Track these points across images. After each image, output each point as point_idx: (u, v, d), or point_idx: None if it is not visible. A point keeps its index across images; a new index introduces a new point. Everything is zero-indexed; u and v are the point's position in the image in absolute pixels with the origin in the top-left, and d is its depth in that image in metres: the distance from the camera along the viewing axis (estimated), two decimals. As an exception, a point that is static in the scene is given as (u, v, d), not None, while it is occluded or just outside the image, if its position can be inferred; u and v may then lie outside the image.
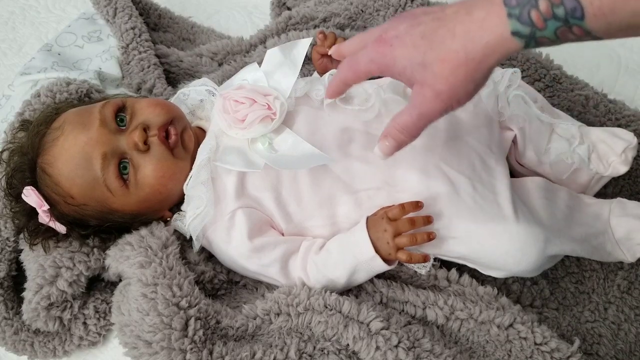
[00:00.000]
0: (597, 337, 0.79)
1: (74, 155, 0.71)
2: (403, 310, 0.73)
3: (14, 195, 0.77)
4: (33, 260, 0.77)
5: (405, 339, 0.67)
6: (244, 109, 0.73)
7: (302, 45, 0.79)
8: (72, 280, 0.75)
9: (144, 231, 0.75)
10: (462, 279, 0.75)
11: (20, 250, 0.82)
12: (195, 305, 0.69)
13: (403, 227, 0.69)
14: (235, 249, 0.74)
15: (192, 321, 0.67)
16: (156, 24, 1.15)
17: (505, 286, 0.79)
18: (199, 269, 0.77)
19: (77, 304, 0.78)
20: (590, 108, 0.92)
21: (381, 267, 0.71)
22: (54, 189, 0.73)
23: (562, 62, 0.97)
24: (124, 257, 0.73)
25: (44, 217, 0.74)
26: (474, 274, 0.76)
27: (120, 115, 0.75)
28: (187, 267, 0.75)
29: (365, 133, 0.75)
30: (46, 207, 0.73)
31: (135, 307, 0.69)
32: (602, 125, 0.90)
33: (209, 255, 0.80)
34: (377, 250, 0.70)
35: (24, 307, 0.77)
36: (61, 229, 0.75)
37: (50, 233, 0.77)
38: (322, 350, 0.69)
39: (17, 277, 0.83)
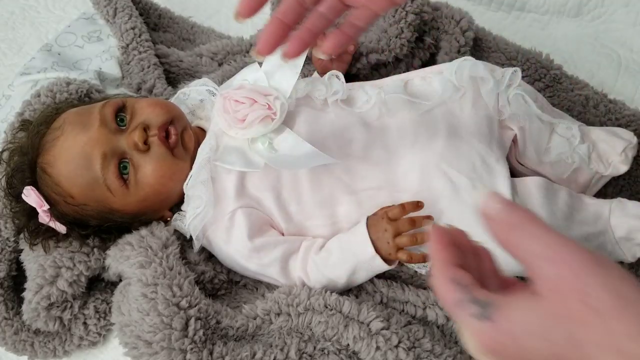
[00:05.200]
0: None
1: (74, 155, 0.71)
2: (403, 310, 0.73)
3: (14, 195, 0.77)
4: (33, 260, 0.77)
5: (405, 339, 0.66)
6: (244, 109, 0.72)
7: None
8: (72, 280, 0.75)
9: (144, 231, 0.75)
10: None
11: (21, 250, 0.82)
12: (195, 306, 0.69)
13: (403, 227, 0.69)
14: (235, 248, 0.74)
15: (192, 321, 0.67)
16: (156, 24, 1.15)
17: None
18: (199, 269, 0.76)
19: (77, 304, 0.77)
20: (590, 108, 0.92)
21: (381, 267, 0.71)
22: (54, 188, 0.73)
23: (562, 62, 0.97)
24: (124, 257, 0.73)
25: (44, 217, 0.74)
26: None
27: (120, 115, 0.74)
28: (187, 267, 0.75)
29: (366, 133, 0.75)
30: (46, 207, 0.73)
31: (135, 307, 0.69)
32: (602, 125, 0.90)
33: (209, 255, 0.79)
34: (377, 250, 0.70)
35: (24, 307, 0.76)
36: (61, 228, 0.75)
37: (51, 233, 0.76)
38: (323, 351, 0.69)
39: (18, 277, 0.83)
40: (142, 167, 0.72)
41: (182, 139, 0.75)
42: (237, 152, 0.73)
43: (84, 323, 0.79)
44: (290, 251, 0.74)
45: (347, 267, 0.71)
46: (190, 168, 0.74)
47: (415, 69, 0.96)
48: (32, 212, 0.75)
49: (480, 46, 1.00)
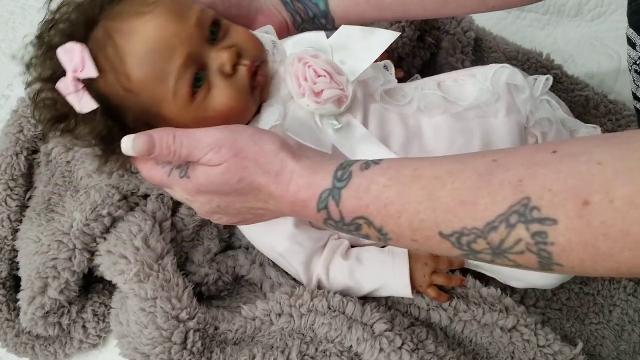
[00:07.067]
0: (601, 339, 0.78)
1: (157, 40, 0.62)
2: (407, 312, 0.73)
3: (47, 44, 0.63)
4: (22, 268, 0.77)
5: (409, 341, 0.67)
6: (322, 83, 0.66)
7: (387, 36, 0.72)
8: (61, 288, 0.74)
9: (137, 242, 0.73)
10: (465, 281, 0.75)
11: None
12: (194, 317, 0.69)
13: (442, 265, 0.72)
14: (277, 224, 0.70)
15: (190, 333, 0.67)
16: (156, 24, 1.14)
17: (508, 287, 0.79)
18: (202, 271, 0.77)
19: (74, 308, 0.77)
20: (590, 109, 0.92)
21: (406, 294, 0.72)
22: (112, 60, 0.61)
23: (562, 62, 0.97)
24: (118, 271, 0.72)
25: (69, 85, 0.60)
26: (477, 275, 0.76)
27: (213, 28, 0.66)
28: (191, 268, 0.74)
29: (404, 129, 0.72)
30: (87, 74, 0.60)
31: (133, 320, 0.69)
32: (601, 125, 0.90)
33: (213, 257, 0.79)
34: (411, 279, 0.71)
35: (21, 317, 0.76)
36: (88, 105, 0.60)
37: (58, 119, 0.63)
38: (325, 352, 0.69)
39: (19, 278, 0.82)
40: (216, 89, 0.64)
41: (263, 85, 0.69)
42: (306, 127, 0.68)
43: (83, 326, 0.78)
44: (318, 246, 0.72)
45: (374, 284, 0.72)
46: (255, 113, 0.69)
47: (417, 68, 0.96)
48: (51, 78, 0.62)
49: (480, 46, 1.00)
